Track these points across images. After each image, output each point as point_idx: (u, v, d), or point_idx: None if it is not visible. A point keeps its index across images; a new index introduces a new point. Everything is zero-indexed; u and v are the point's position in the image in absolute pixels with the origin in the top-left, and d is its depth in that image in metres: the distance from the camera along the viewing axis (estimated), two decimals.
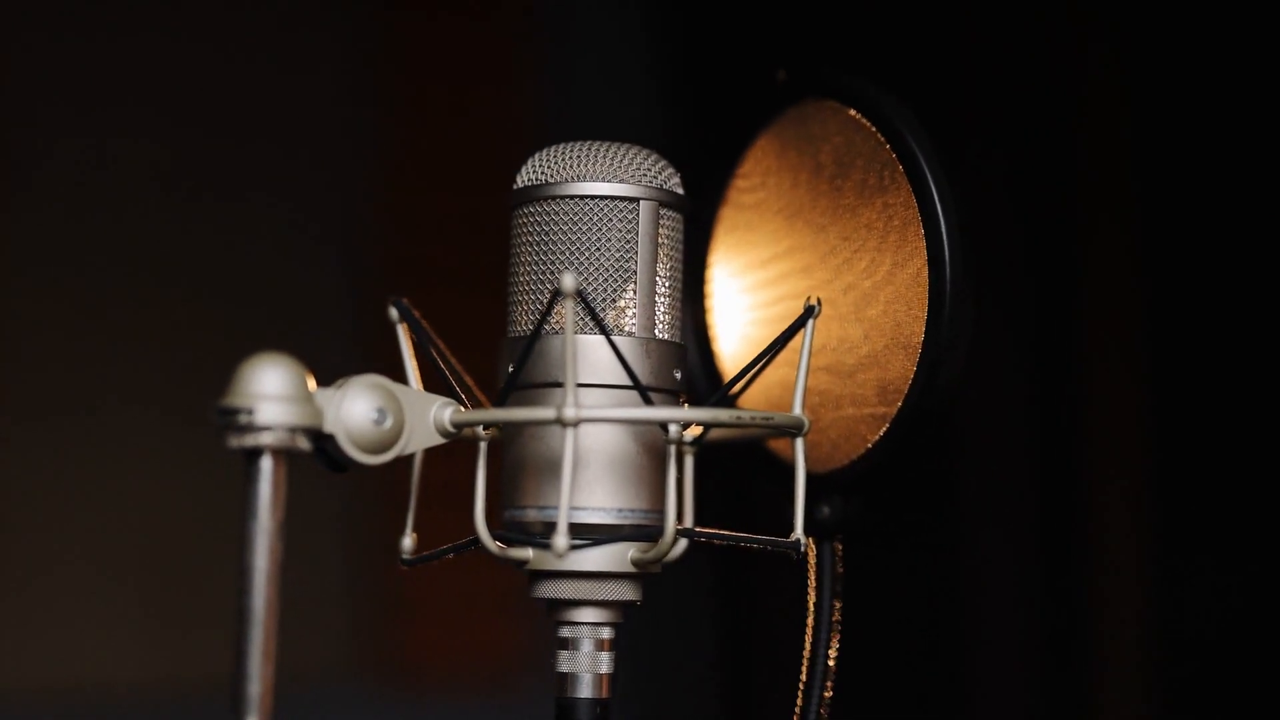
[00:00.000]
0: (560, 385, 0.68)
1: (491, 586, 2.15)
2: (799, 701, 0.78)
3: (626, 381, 0.70)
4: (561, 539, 0.66)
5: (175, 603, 2.04)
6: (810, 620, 0.78)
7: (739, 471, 0.82)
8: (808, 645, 0.78)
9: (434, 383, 0.74)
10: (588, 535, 0.71)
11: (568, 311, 0.67)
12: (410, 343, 0.75)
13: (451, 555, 0.74)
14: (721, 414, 0.70)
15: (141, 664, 2.04)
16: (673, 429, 0.68)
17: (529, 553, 0.71)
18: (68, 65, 2.06)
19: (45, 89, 2.04)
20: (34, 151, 2.03)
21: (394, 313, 0.75)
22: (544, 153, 0.74)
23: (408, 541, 0.75)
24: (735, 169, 0.82)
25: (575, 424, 0.66)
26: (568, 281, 0.66)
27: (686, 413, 0.69)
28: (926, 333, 0.72)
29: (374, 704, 2.24)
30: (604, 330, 0.69)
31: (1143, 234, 2.04)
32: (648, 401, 0.70)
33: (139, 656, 2.04)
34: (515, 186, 0.74)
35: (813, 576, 0.79)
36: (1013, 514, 2.13)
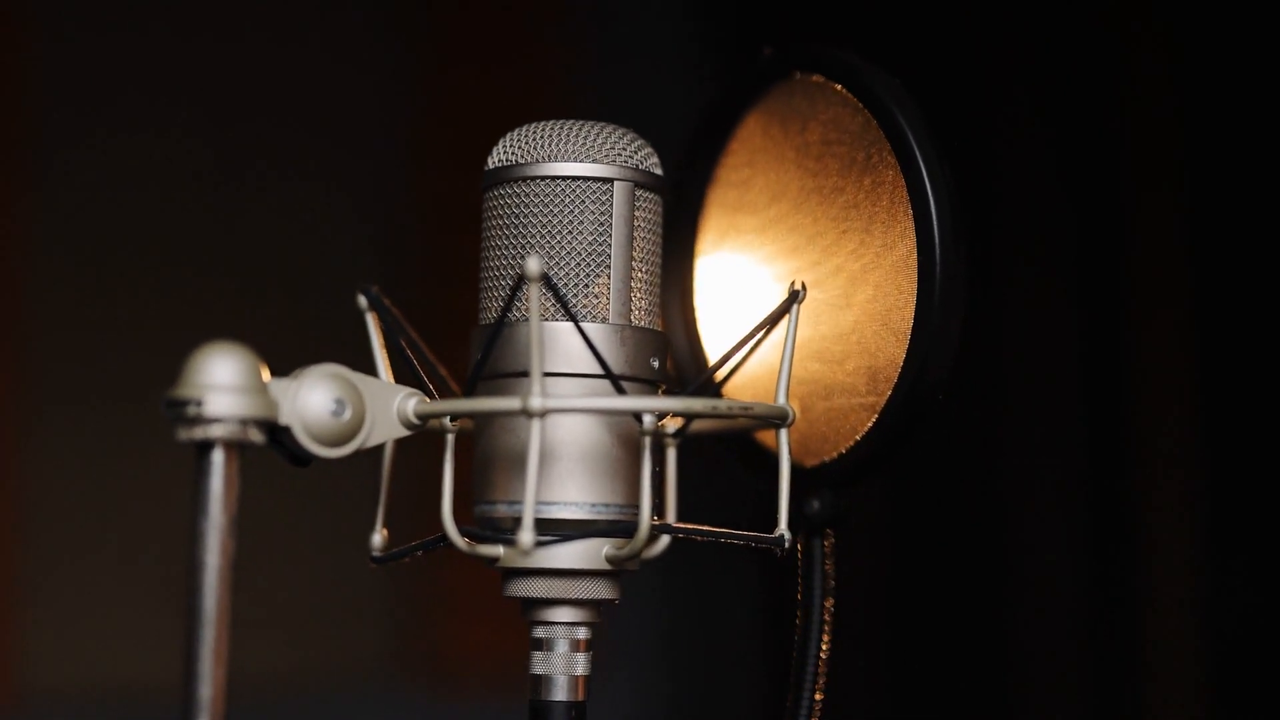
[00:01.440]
0: (529, 374, 0.65)
1: None
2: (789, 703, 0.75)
3: (599, 370, 0.67)
4: (527, 534, 0.63)
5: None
6: (799, 619, 0.74)
7: (729, 465, 0.78)
8: (798, 645, 0.74)
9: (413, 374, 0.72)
10: (559, 531, 0.68)
11: (533, 297, 0.64)
12: (380, 332, 0.72)
13: (420, 553, 0.71)
14: (696, 403, 0.67)
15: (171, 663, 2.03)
16: (647, 420, 0.65)
17: (499, 550, 0.68)
18: (97, 55, 2.05)
19: (76, 79, 2.03)
20: (65, 142, 2.02)
21: (363, 301, 0.72)
22: (516, 133, 0.71)
23: (377, 538, 0.72)
24: (722, 150, 0.79)
25: (541, 415, 0.63)
26: (533, 265, 0.63)
27: (658, 402, 0.66)
28: (916, 318, 0.68)
29: (412, 702, 2.23)
30: (572, 316, 0.66)
31: (1191, 209, 2.00)
32: (620, 391, 0.67)
33: (169, 655, 2.02)
34: (486, 168, 0.71)
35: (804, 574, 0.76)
36: (1059, 505, 2.08)
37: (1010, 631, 2.09)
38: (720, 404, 0.67)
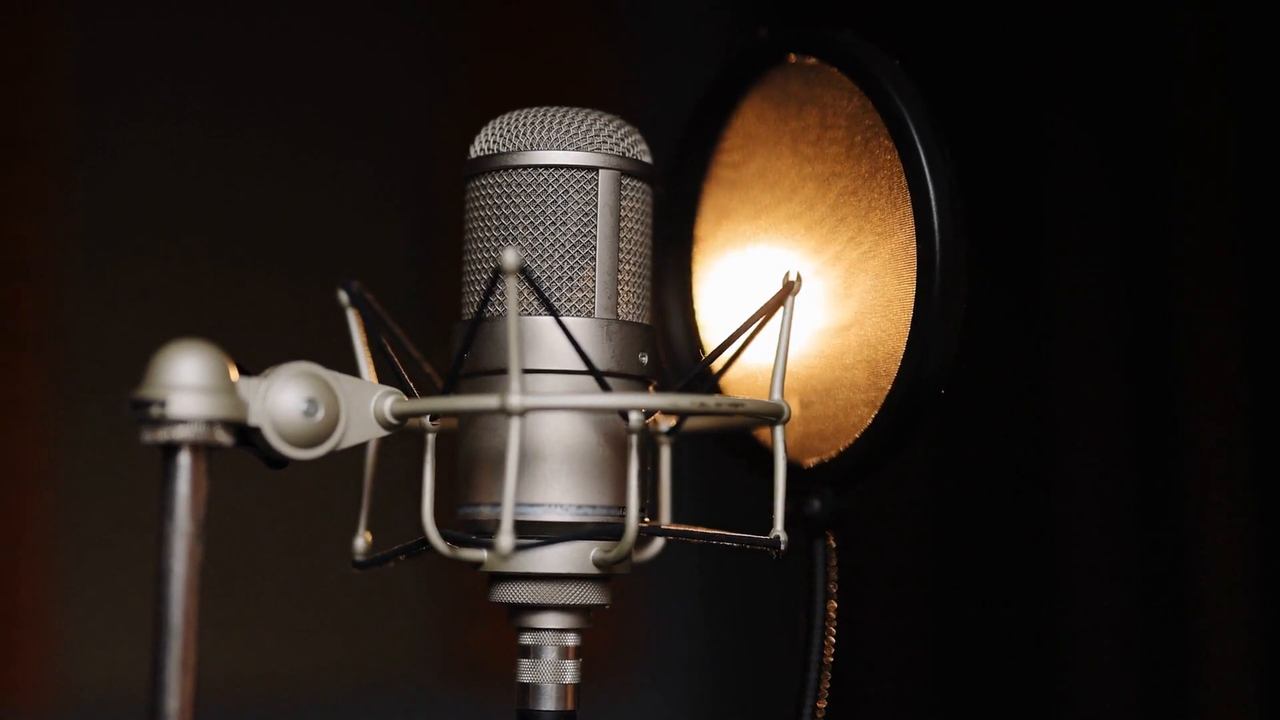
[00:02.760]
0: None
1: None
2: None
3: (583, 367, 0.64)
4: (505, 537, 0.60)
5: (248, 602, 2.01)
6: (801, 623, 0.71)
7: (733, 464, 0.76)
8: (800, 650, 0.71)
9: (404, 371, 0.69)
10: (544, 534, 0.65)
11: (510, 290, 0.61)
12: (362, 329, 0.69)
13: (403, 557, 0.68)
14: (683, 400, 0.64)
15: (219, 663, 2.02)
16: (633, 418, 0.62)
17: (483, 554, 0.66)
18: (130, 46, 2.04)
19: (110, 70, 2.02)
20: (99, 134, 2.01)
21: (344, 296, 0.69)
22: (498, 121, 0.68)
23: (360, 542, 0.70)
24: (718, 136, 0.76)
25: (520, 413, 0.60)
26: (509, 258, 0.61)
27: (643, 399, 0.63)
28: (916, 308, 0.65)
29: (454, 701, 2.21)
30: (552, 310, 0.64)
31: (1239, 200, 1.95)
32: (605, 387, 0.64)
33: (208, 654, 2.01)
34: (469, 157, 0.68)
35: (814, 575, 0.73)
36: (1110, 504, 2.05)
37: (1057, 631, 2.06)
38: (709, 401, 0.64)
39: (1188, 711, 1.98)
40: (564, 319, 0.64)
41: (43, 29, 1.98)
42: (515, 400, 0.60)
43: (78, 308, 1.99)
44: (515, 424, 0.60)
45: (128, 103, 2.03)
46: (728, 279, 0.76)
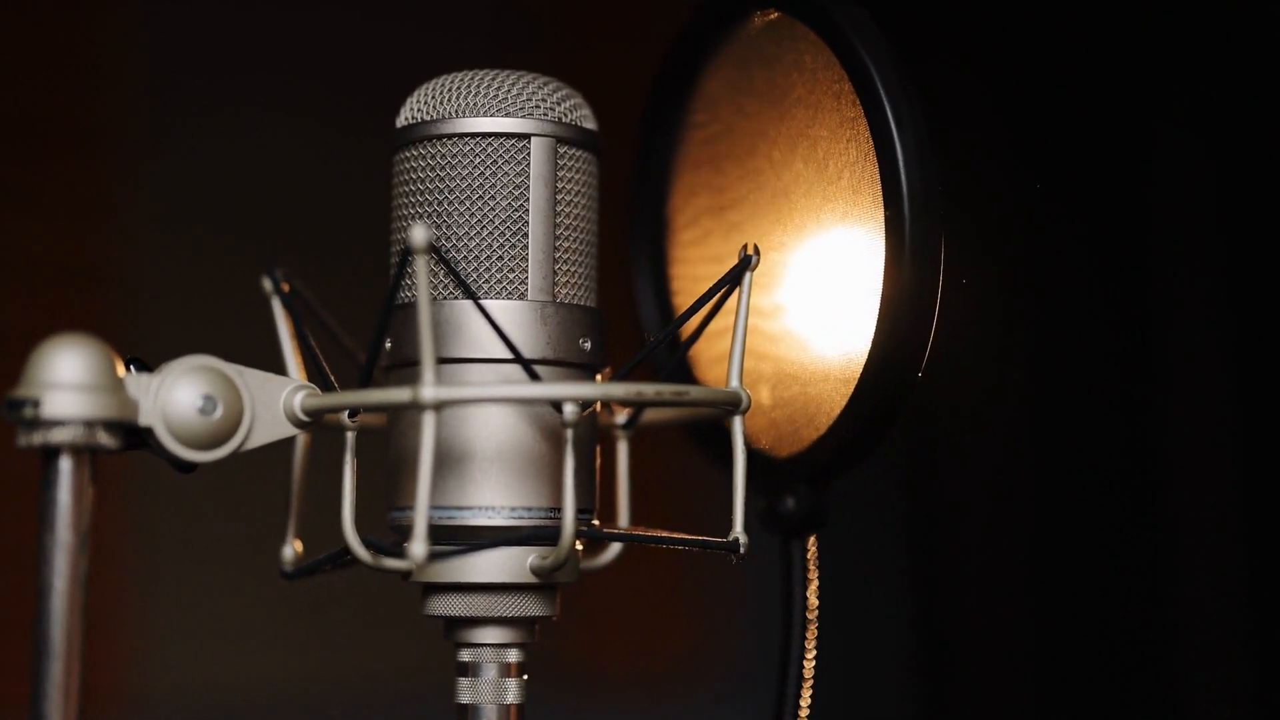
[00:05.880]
0: (436, 361, 0.56)
1: (659, 582, 2.04)
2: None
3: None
4: (418, 545, 0.54)
5: (297, 609, 1.97)
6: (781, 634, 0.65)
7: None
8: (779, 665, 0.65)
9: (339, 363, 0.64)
10: (474, 540, 0.59)
11: (420, 271, 0.55)
12: (288, 319, 0.64)
13: (330, 568, 0.63)
14: (616, 389, 0.57)
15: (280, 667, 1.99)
16: (568, 410, 0.56)
17: (410, 563, 0.59)
18: (200, 33, 2.01)
19: (179, 56, 2.00)
20: (165, 124, 1.98)
21: (267, 284, 0.64)
22: (426, 87, 0.62)
23: (289, 551, 0.64)
24: (686, 103, 0.69)
25: (435, 407, 0.54)
26: (418, 235, 0.54)
27: (570, 388, 0.56)
28: (885, 279, 0.58)
29: (544, 706, 2.15)
30: (470, 293, 0.57)
31: None
32: (534, 376, 0.58)
33: (278, 659, 1.99)
34: (395, 126, 0.63)
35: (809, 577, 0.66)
36: (1218, 503, 1.95)
37: (1166, 640, 1.97)
38: (647, 389, 0.57)
39: None
40: (492, 302, 0.58)
41: (112, 30, 1.96)
42: (428, 393, 0.54)
43: (148, 311, 1.97)
44: (429, 418, 0.54)
45: (197, 102, 2.01)
46: (703, 257, 0.69)
